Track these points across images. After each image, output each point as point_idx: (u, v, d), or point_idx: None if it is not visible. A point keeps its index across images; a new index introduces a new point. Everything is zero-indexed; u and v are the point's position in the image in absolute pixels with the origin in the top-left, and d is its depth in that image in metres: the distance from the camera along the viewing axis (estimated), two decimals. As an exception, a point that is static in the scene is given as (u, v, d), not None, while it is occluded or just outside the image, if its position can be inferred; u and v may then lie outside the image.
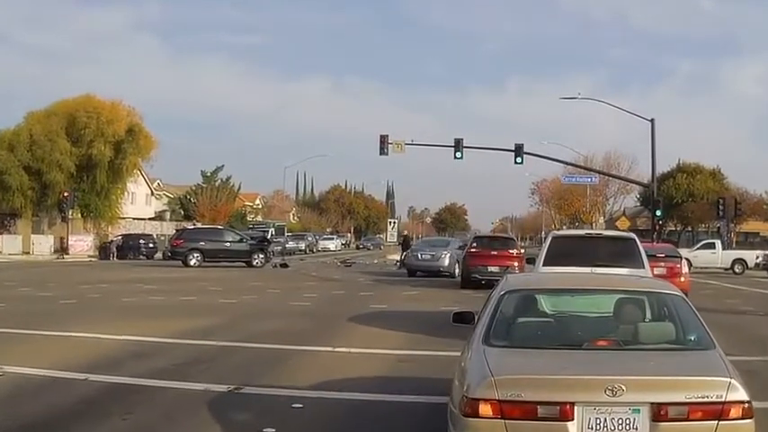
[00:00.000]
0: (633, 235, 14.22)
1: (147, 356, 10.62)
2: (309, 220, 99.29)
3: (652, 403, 4.45)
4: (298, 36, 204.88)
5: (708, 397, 4.45)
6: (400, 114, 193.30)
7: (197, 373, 9.46)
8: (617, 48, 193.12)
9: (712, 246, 42.31)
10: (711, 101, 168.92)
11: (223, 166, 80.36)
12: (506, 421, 4.46)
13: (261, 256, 36.48)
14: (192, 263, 35.27)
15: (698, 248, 42.53)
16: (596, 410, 4.47)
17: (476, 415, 4.52)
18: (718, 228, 53.82)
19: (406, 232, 59.22)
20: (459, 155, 44.26)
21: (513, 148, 44.66)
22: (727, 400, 4.45)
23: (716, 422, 4.42)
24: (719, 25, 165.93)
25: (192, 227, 45.52)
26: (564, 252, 12.62)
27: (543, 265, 12.54)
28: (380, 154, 44.75)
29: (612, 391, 4.43)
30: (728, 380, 4.54)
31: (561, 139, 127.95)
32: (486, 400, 4.50)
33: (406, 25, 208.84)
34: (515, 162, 44.39)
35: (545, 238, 15.95)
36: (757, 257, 40.80)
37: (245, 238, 38.15)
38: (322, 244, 73.43)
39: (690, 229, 67.47)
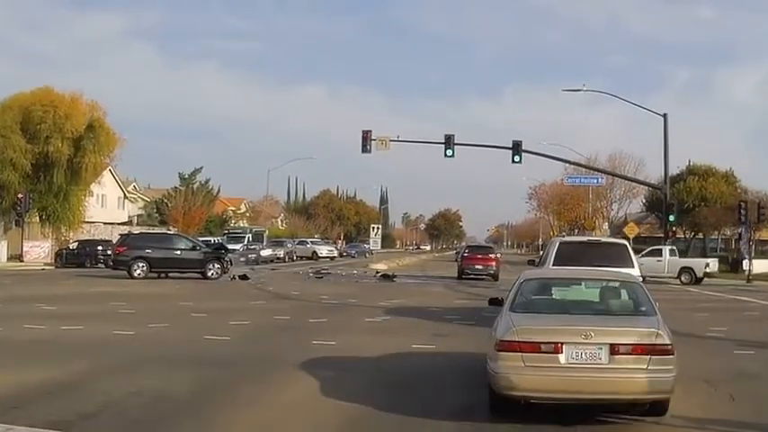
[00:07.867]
0: (625, 241, 17.55)
1: None
2: (297, 226, 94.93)
3: (611, 344, 7.26)
4: (294, 43, 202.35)
5: (644, 341, 7.30)
6: (398, 121, 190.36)
7: None
8: (615, 55, 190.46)
9: (659, 253, 40.33)
10: (710, 107, 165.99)
11: (202, 167, 76.32)
12: (522, 354, 7.27)
13: (216, 266, 31.32)
14: (136, 273, 30.29)
15: (643, 256, 37.95)
16: (576, 347, 7.29)
17: (504, 350, 7.39)
18: (740, 234, 49.05)
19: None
20: (449, 152, 42.96)
21: (511, 146, 41.67)
22: (656, 342, 7.29)
23: (649, 356, 7.22)
24: (718, 33, 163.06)
25: (138, 232, 40.57)
26: (569, 254, 15.56)
27: (553, 264, 15.11)
28: (363, 151, 43.93)
29: (586, 335, 7.29)
30: (657, 330, 7.40)
31: (561, 144, 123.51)
32: (510, 341, 7.38)
33: (402, 33, 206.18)
34: (513, 161, 42.47)
35: (550, 244, 18.61)
36: (706, 266, 39.60)
37: (198, 245, 33.06)
38: (301, 251, 65.59)
39: (701, 236, 62.48)
